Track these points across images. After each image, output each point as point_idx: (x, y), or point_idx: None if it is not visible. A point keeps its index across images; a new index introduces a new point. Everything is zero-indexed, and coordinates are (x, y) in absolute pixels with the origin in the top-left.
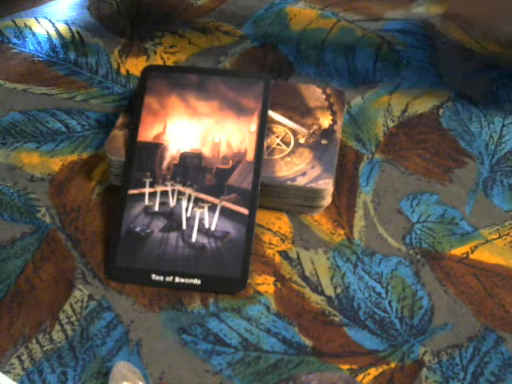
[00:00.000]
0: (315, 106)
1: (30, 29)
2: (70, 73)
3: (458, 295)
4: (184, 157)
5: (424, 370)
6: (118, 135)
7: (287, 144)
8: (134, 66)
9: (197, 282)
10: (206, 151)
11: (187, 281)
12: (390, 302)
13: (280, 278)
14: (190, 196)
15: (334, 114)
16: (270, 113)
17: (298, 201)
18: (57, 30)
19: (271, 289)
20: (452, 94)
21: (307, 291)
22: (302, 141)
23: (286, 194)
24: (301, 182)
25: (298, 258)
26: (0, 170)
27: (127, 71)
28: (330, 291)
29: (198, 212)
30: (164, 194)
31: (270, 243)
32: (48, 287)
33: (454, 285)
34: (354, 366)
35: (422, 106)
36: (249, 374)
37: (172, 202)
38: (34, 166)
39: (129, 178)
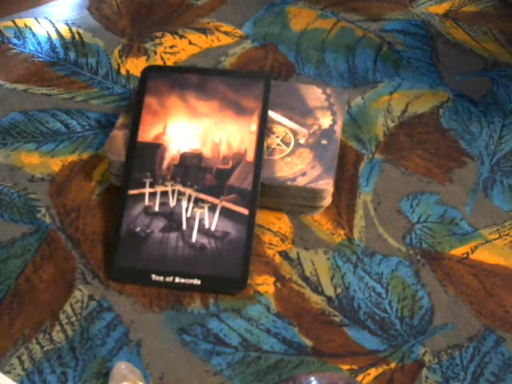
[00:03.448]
0: (315, 106)
1: (30, 29)
2: (70, 73)
3: (458, 295)
4: (184, 157)
5: (424, 370)
6: (118, 135)
7: (287, 144)
8: (134, 66)
9: (197, 282)
10: (206, 151)
11: (187, 281)
12: (390, 302)
13: (280, 279)
14: (190, 196)
15: (334, 114)
16: (270, 113)
17: (298, 201)
18: (57, 30)
19: (271, 289)
20: (452, 94)
21: (307, 291)
22: (302, 141)
23: (286, 194)
24: (301, 182)
25: (298, 258)
26: (0, 170)
27: (127, 71)
28: (330, 291)
29: (198, 212)
30: (164, 194)
31: (270, 243)
32: (48, 287)
33: (454, 285)
34: (354, 366)
35: (422, 105)
36: (249, 374)
37: (172, 202)
38: (34, 166)
39: (129, 178)
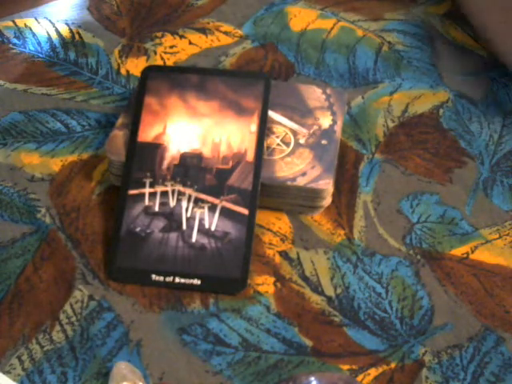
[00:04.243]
0: (315, 106)
1: (30, 29)
2: (70, 73)
3: (458, 295)
4: (184, 157)
5: (424, 370)
6: (118, 135)
7: (287, 144)
8: (134, 66)
9: (197, 282)
10: (206, 151)
11: (187, 281)
12: (390, 302)
13: (280, 279)
14: (190, 196)
15: (333, 114)
16: (270, 113)
17: (298, 201)
18: (57, 30)
19: (271, 289)
20: (452, 94)
21: (307, 291)
22: (302, 141)
23: (286, 194)
24: (301, 182)
25: (298, 258)
26: (0, 170)
27: (127, 71)
28: (330, 291)
29: (198, 212)
30: (164, 194)
31: (270, 243)
32: (48, 287)
33: (454, 285)
34: (354, 366)
35: (422, 105)
36: (249, 375)
37: (172, 203)
38: (34, 166)
39: (129, 178)
